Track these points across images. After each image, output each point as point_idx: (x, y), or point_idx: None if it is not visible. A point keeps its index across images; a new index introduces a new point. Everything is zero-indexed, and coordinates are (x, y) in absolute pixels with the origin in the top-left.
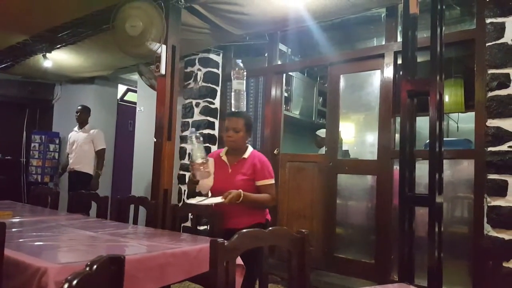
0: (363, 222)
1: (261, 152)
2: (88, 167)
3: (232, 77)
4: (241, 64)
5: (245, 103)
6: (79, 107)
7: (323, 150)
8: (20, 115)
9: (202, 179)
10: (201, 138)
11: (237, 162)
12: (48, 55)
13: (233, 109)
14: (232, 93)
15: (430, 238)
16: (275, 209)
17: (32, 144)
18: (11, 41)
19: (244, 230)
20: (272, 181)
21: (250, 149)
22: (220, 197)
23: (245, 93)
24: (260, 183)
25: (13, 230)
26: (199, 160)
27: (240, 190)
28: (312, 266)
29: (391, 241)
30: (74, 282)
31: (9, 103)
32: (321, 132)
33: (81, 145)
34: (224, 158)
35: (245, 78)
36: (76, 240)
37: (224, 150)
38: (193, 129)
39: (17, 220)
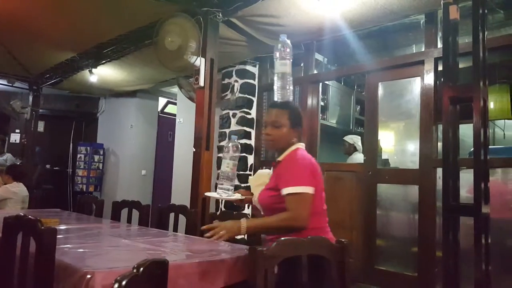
0: (405, 233)
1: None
2: None
3: (274, 58)
4: (287, 41)
5: (292, 90)
6: None
7: (353, 158)
8: (67, 127)
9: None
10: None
11: (273, 167)
12: (93, 70)
13: (276, 99)
14: (275, 78)
15: (477, 250)
16: None
17: (78, 155)
18: (60, 58)
19: (283, 238)
20: (298, 189)
21: (292, 148)
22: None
23: (291, 78)
24: (283, 192)
25: (60, 236)
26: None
27: (243, 220)
28: (351, 278)
29: (435, 253)
30: (123, 282)
31: (57, 116)
32: (349, 138)
33: None
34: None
35: (291, 58)
36: (119, 247)
37: None
38: (235, 137)
39: (64, 227)
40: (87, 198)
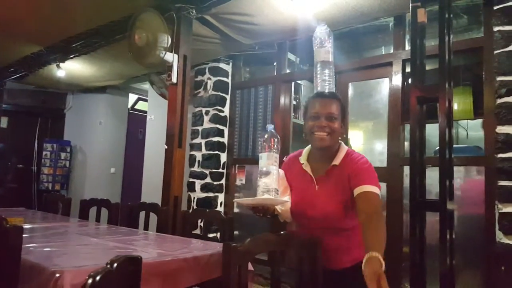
0: None
1: None
2: None
3: (314, 46)
4: (327, 28)
5: (334, 81)
6: None
7: None
8: (32, 124)
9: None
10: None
11: (325, 174)
12: (61, 65)
13: (320, 89)
14: (317, 69)
15: (442, 244)
16: None
17: (44, 153)
18: (25, 51)
19: (258, 235)
20: (376, 189)
21: (343, 148)
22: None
23: (333, 67)
24: (358, 190)
25: (24, 235)
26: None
27: (374, 254)
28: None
29: (402, 249)
30: (97, 277)
31: (22, 112)
32: None
33: None
34: (307, 167)
35: (332, 46)
36: (88, 246)
37: (305, 153)
38: (271, 126)
39: (29, 226)
40: (53, 196)
